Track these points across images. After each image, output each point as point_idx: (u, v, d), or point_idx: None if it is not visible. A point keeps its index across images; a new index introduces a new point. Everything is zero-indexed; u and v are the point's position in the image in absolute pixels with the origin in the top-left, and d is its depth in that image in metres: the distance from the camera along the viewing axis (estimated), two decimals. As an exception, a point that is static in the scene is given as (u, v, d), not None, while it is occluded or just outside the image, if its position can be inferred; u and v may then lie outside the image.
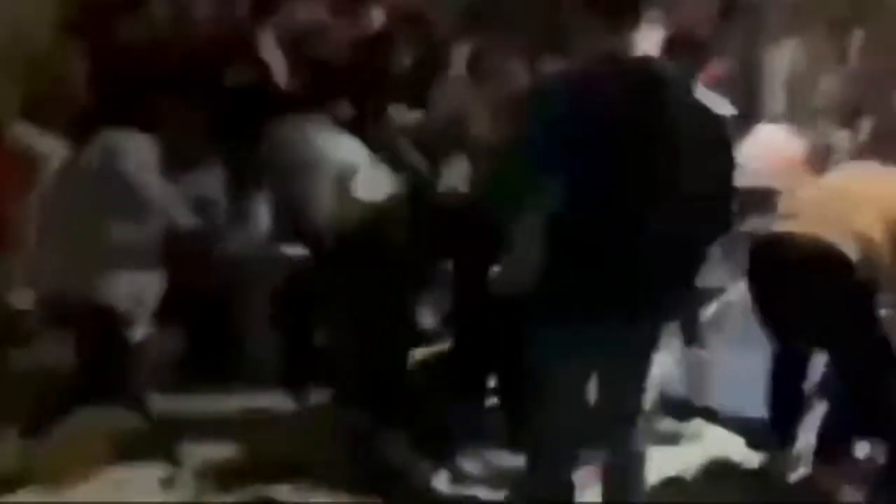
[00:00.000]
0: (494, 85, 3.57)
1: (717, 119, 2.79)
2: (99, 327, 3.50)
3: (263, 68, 4.97)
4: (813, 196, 3.52)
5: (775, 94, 5.77)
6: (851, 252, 3.18)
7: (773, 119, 5.50)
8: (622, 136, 2.53)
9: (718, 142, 2.77)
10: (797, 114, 5.48)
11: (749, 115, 5.36)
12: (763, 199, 4.09)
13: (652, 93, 2.57)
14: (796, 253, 3.25)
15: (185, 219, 3.72)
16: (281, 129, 4.27)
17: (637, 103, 2.54)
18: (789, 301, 3.33)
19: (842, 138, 5.41)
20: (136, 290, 3.55)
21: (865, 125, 5.22)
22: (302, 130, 4.18)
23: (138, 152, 3.55)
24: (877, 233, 3.22)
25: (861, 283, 3.21)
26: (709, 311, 4.29)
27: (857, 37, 5.48)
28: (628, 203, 2.58)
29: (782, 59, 5.83)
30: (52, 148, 4.13)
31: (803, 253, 3.23)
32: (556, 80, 2.77)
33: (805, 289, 3.24)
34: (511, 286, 2.72)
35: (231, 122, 4.46)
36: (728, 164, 2.86)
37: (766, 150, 4.51)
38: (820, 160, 4.68)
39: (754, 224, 3.97)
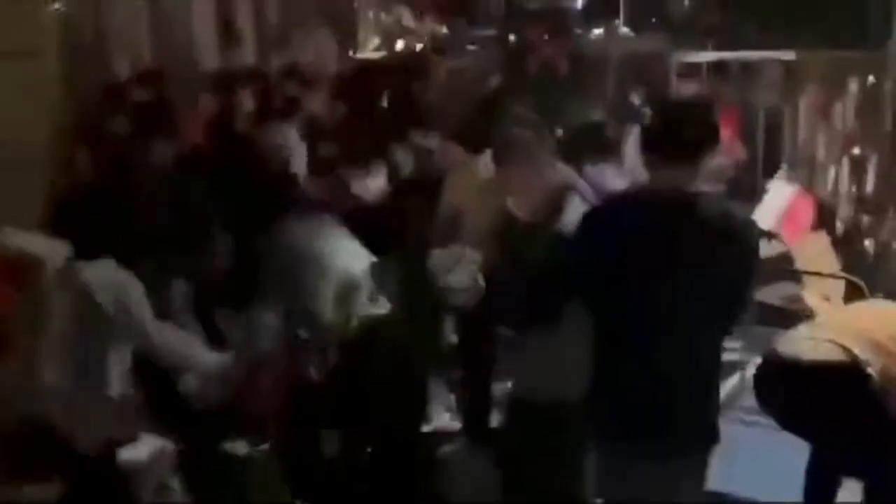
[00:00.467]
0: (521, 173, 3.57)
1: (746, 232, 2.80)
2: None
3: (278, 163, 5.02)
4: (838, 311, 3.56)
5: (780, 151, 5.81)
6: (871, 362, 3.23)
7: (777, 173, 5.55)
8: (659, 261, 2.65)
9: (745, 252, 2.77)
10: (801, 169, 5.55)
11: (753, 176, 5.44)
12: (775, 268, 4.10)
13: (686, 222, 2.67)
14: (815, 360, 3.28)
15: (209, 358, 3.67)
16: (286, 232, 4.12)
17: (672, 232, 2.66)
18: (805, 406, 3.35)
19: (846, 192, 5.48)
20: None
21: (869, 176, 5.28)
22: (307, 233, 4.03)
23: (142, 297, 3.46)
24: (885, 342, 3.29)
25: (878, 391, 3.25)
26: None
27: (852, 92, 5.53)
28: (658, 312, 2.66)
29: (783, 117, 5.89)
30: (50, 250, 3.81)
31: (822, 359, 3.27)
32: (599, 209, 2.96)
33: (823, 394, 3.27)
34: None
35: (238, 221, 4.49)
36: (751, 268, 2.86)
37: (777, 217, 4.52)
38: (828, 219, 4.72)
39: (765, 294, 3.96)
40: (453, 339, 4.85)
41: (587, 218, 2.85)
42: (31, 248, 3.94)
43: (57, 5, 5.82)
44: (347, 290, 3.92)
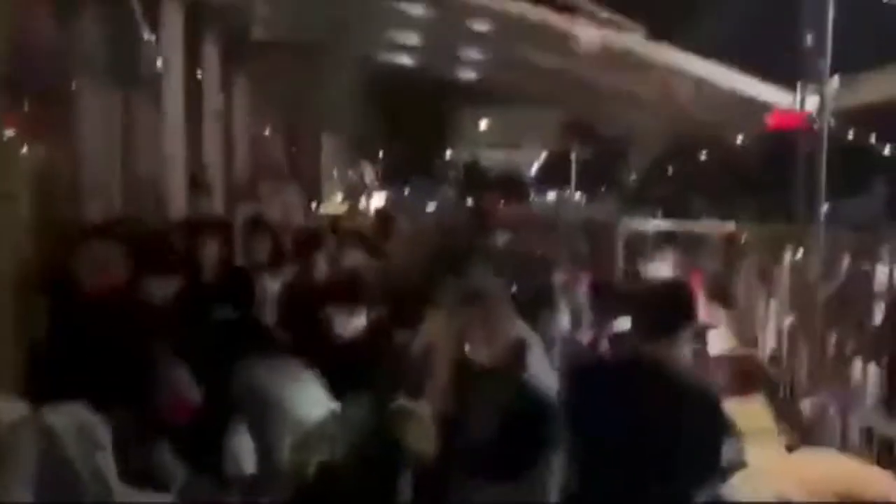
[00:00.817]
0: (481, 322, 3.76)
1: (711, 400, 3.05)
2: None
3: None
4: (775, 460, 3.80)
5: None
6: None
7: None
8: (632, 424, 2.86)
9: (714, 420, 3.00)
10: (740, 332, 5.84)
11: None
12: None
13: (656, 386, 2.91)
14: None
15: None
16: (251, 370, 4.16)
17: (646, 400, 2.90)
18: None
19: (784, 353, 5.77)
20: None
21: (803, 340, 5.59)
22: (270, 377, 4.09)
23: (108, 445, 3.33)
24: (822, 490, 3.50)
25: None
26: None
27: (786, 261, 5.92)
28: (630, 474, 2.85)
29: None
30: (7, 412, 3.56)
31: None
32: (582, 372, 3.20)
33: None
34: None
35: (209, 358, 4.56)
36: (719, 433, 3.07)
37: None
38: (763, 379, 4.95)
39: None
40: (408, 491, 4.90)
41: (570, 379, 3.11)
42: None
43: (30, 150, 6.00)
44: (305, 438, 3.95)
